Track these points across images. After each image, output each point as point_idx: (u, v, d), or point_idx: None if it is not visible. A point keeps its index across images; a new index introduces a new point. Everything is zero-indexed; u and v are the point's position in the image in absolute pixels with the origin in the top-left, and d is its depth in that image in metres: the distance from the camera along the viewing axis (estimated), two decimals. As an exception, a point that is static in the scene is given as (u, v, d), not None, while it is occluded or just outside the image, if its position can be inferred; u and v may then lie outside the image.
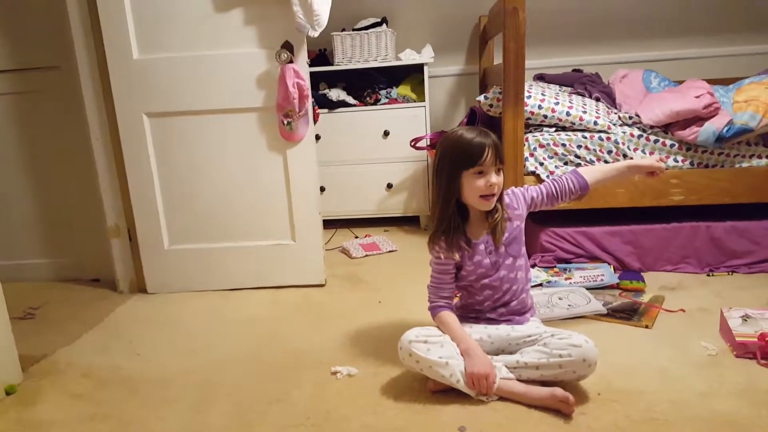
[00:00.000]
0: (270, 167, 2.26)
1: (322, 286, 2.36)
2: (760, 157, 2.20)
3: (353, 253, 2.77)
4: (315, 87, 3.13)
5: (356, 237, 3.06)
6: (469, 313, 1.62)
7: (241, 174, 2.27)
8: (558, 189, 1.60)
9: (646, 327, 1.81)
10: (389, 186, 3.14)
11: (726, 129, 2.11)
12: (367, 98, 3.09)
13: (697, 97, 2.15)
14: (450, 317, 1.55)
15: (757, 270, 2.23)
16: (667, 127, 2.23)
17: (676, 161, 2.24)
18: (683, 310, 1.92)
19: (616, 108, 2.42)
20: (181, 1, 2.10)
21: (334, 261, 2.68)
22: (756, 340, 1.56)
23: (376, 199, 3.17)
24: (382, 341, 1.81)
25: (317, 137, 3.05)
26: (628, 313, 1.91)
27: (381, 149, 3.10)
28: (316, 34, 2.04)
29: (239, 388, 1.60)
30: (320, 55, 3.16)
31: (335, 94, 3.08)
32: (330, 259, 2.64)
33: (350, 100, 3.09)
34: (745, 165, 2.20)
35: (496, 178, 1.46)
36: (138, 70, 2.16)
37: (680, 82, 2.60)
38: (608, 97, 2.48)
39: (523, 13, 2.08)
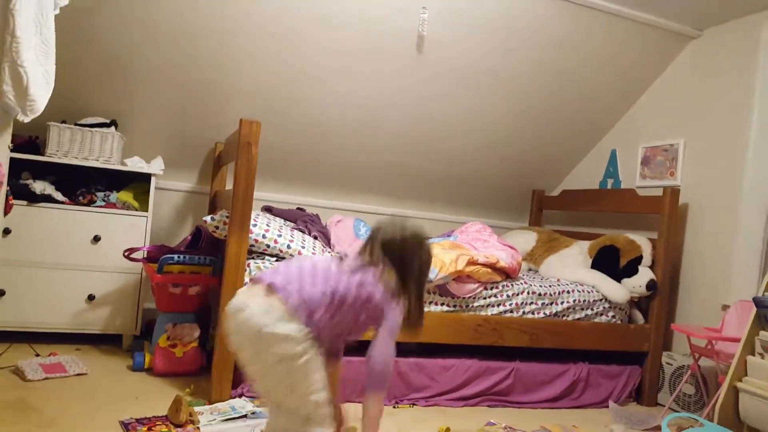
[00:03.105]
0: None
1: (-27, 417, 1.87)
2: (436, 304, 2.66)
3: (29, 374, 2.30)
4: (17, 176, 2.73)
5: (37, 355, 2.58)
6: None
7: None
8: None
9: None
10: (91, 297, 2.79)
11: (413, 277, 2.52)
12: (80, 198, 2.81)
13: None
14: None
15: (432, 403, 2.59)
16: (369, 270, 2.54)
17: (375, 300, 2.54)
18: None
19: (330, 247, 2.69)
20: None
21: (2, 384, 2.19)
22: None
23: (71, 312, 2.77)
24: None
25: (6, 231, 2.60)
26: None
27: (88, 255, 2.78)
28: (27, 120, 1.83)
29: None
30: (30, 143, 2.81)
31: (40, 186, 2.72)
32: (-5, 381, 2.15)
33: (58, 196, 2.76)
34: (425, 310, 2.62)
35: None
36: None
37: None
38: (324, 237, 2.75)
39: (256, 148, 2.24)
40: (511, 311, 2.78)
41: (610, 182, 3.69)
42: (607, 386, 2.90)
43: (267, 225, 2.44)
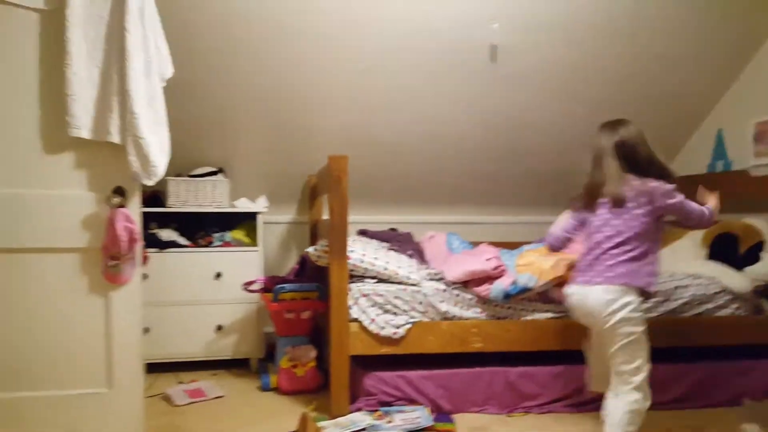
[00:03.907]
0: (89, 310, 2.12)
1: (137, 440, 2.17)
2: (540, 311, 2.64)
3: (176, 400, 2.62)
4: (145, 227, 3.10)
5: (181, 382, 2.90)
6: None
7: (56, 317, 2.08)
8: None
9: None
10: (219, 328, 3.10)
11: (511, 287, 2.54)
12: (200, 240, 3.14)
13: (487, 259, 2.58)
14: None
15: (546, 410, 2.57)
16: (465, 284, 2.60)
17: (476, 313, 2.59)
18: None
19: (425, 264, 2.77)
20: (7, 139, 2.05)
21: (155, 410, 2.50)
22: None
23: (204, 342, 3.09)
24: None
25: (144, 276, 2.96)
26: None
27: (212, 291, 3.09)
28: (151, 184, 2.11)
29: None
30: (153, 196, 3.18)
31: (166, 234, 3.08)
32: (150, 408, 2.44)
33: (182, 240, 3.10)
34: (529, 318, 2.63)
35: None
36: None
37: (476, 244, 3.09)
38: (419, 254, 2.85)
39: (346, 180, 2.39)
40: (620, 312, 2.68)
41: (719, 165, 3.44)
42: (739, 383, 2.69)
43: (363, 249, 2.58)
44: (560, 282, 2.59)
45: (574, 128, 3.48)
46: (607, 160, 2.07)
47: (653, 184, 2.02)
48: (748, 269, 2.76)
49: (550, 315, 2.64)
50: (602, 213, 2.08)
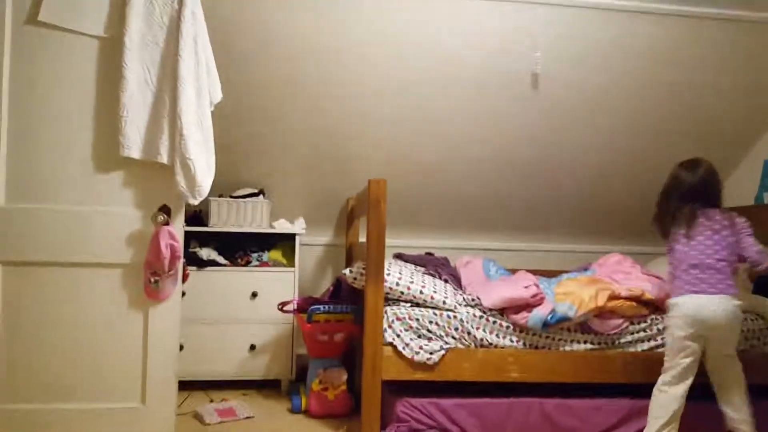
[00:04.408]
0: (129, 325, 2.19)
1: (168, 456, 2.19)
2: (579, 342, 2.58)
3: (207, 419, 2.63)
4: (186, 245, 3.18)
5: (212, 401, 2.93)
6: None
7: (96, 330, 2.16)
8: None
9: None
10: (252, 347, 3.13)
11: (550, 316, 2.49)
12: (239, 260, 3.19)
13: (525, 287, 2.55)
14: None
15: (583, 444, 2.49)
16: (502, 311, 2.57)
17: (512, 341, 2.55)
18: None
19: (461, 290, 2.75)
20: (63, 157, 2.15)
21: (185, 428, 2.53)
22: None
23: (237, 361, 3.12)
24: None
25: (183, 294, 3.02)
26: None
27: (248, 310, 3.13)
28: (196, 203, 2.17)
29: None
30: (195, 216, 3.27)
31: (206, 253, 3.15)
32: (181, 426, 2.49)
33: (221, 260, 3.17)
34: (567, 348, 2.57)
35: None
36: (1, 218, 2.10)
37: (513, 271, 3.05)
38: (455, 279, 2.83)
39: (385, 205, 2.41)
40: (663, 346, 2.60)
41: (767, 197, 3.34)
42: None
43: (399, 273, 2.58)
44: (600, 312, 2.54)
45: (616, 156, 3.44)
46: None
47: (738, 219, 2.35)
48: None
49: (589, 346, 2.58)
50: (697, 238, 2.33)
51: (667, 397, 2.28)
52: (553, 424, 2.51)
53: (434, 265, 2.99)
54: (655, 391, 2.32)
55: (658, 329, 2.61)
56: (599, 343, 2.58)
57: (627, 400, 2.56)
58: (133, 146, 2.10)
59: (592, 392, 2.59)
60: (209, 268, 3.12)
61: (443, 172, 3.44)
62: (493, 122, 3.24)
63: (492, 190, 3.55)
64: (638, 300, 2.60)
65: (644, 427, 2.50)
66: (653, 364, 2.54)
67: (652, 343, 2.61)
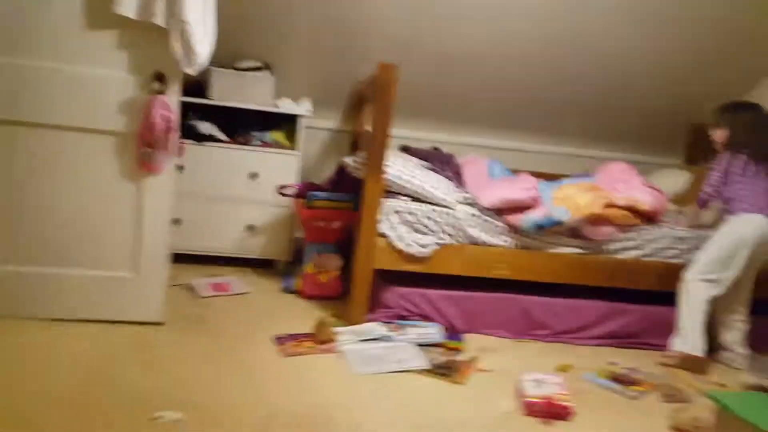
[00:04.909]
0: (121, 195, 2.16)
1: (160, 324, 2.26)
2: (567, 246, 2.61)
3: (200, 291, 2.71)
4: (184, 116, 3.07)
5: (209, 276, 2.99)
6: None
7: (88, 198, 2.14)
8: None
9: (459, 383, 2.06)
10: (250, 227, 3.14)
11: (545, 219, 2.49)
12: (239, 137, 3.10)
13: (525, 189, 2.51)
14: None
15: (555, 340, 2.61)
16: (499, 211, 2.54)
17: (504, 241, 2.56)
18: (491, 371, 2.21)
19: (462, 187, 2.70)
20: (52, 8, 1.99)
21: (178, 299, 2.59)
22: (541, 401, 1.83)
23: (233, 239, 3.14)
24: (218, 386, 1.80)
25: (180, 168, 2.98)
26: (446, 370, 2.14)
27: (247, 190, 3.10)
28: (193, 72, 2.05)
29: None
30: (195, 87, 3.12)
31: (205, 127, 3.05)
32: (174, 297, 2.55)
33: (221, 136, 3.08)
34: (555, 251, 2.59)
35: None
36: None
37: (517, 173, 2.99)
38: (458, 177, 2.77)
39: (395, 92, 2.27)
40: (650, 256, 2.61)
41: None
42: (754, 334, 2.59)
43: (402, 166, 2.52)
44: (593, 219, 2.52)
45: (633, 64, 3.23)
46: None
47: None
48: None
49: (577, 250, 2.61)
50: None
51: None
52: (530, 319, 2.62)
53: (439, 161, 2.92)
54: None
55: (647, 239, 2.63)
56: (587, 249, 2.62)
57: (605, 303, 2.62)
58: (127, 3, 1.94)
59: (573, 294, 2.67)
60: (208, 143, 3.04)
61: (462, 62, 3.25)
62: (521, 14, 2.99)
63: (507, 85, 3.38)
64: (632, 210, 2.59)
65: (619, 327, 2.60)
66: (636, 271, 2.57)
67: (639, 252, 2.62)
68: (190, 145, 2.96)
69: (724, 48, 3.23)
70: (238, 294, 2.77)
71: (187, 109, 3.06)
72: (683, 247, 2.65)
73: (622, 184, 2.82)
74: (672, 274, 2.59)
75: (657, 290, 2.65)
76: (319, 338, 2.29)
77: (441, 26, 3.04)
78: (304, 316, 2.56)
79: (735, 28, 3.11)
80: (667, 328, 2.59)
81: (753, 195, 2.42)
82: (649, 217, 2.66)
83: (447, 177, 2.72)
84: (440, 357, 2.25)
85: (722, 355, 2.55)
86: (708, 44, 3.21)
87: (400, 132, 3.50)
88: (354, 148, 3.39)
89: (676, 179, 3.24)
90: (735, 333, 2.54)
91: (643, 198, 2.66)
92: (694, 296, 2.42)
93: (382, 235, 2.48)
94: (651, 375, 2.32)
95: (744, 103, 2.64)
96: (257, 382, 1.94)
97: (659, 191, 2.79)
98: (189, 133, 2.98)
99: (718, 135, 2.53)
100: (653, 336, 2.65)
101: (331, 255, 2.89)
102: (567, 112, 3.57)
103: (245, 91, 3.05)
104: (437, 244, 2.49)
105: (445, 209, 2.51)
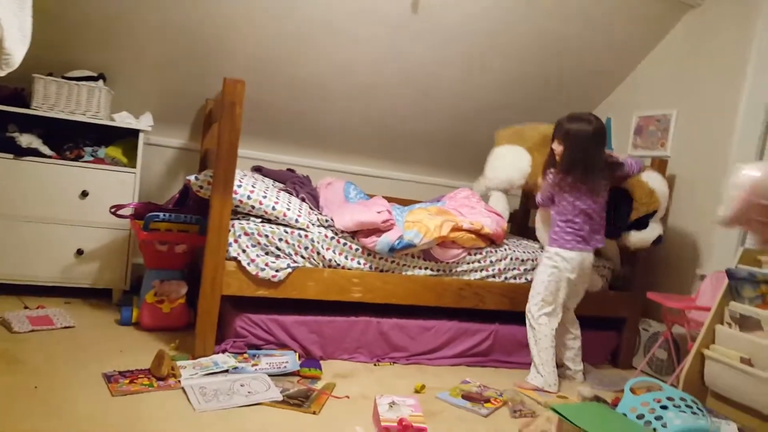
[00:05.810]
0: None
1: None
2: (420, 268, 2.69)
3: (15, 326, 2.35)
4: (2, 128, 2.71)
5: (26, 307, 2.62)
6: None
7: None
8: None
9: (314, 413, 1.97)
10: (80, 252, 2.82)
11: (397, 242, 2.54)
12: (68, 152, 2.80)
13: (378, 212, 2.56)
14: None
15: (412, 361, 2.66)
16: (354, 234, 2.56)
17: (359, 264, 2.57)
18: (348, 397, 2.16)
19: (318, 210, 2.69)
20: None
21: (-12, 336, 2.23)
22: (396, 424, 1.83)
23: (60, 266, 2.80)
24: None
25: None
26: (300, 400, 2.05)
27: (76, 210, 2.79)
28: (2, 74, 1.80)
29: None
30: (16, 94, 2.77)
31: (27, 140, 2.71)
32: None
33: (45, 150, 2.75)
34: (409, 273, 2.66)
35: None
36: None
37: (371, 196, 3.05)
38: (313, 199, 2.75)
39: (241, 108, 2.21)
40: (494, 276, 2.81)
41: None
42: (585, 349, 2.92)
43: (252, 186, 2.44)
44: (442, 242, 2.66)
45: (479, 97, 3.52)
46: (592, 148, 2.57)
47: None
48: (633, 234, 2.81)
49: (429, 272, 2.70)
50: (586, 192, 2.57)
51: None
52: (387, 341, 2.64)
53: (293, 182, 2.88)
54: None
55: (491, 261, 2.81)
56: (438, 270, 2.71)
57: (456, 323, 2.76)
58: None
59: (427, 315, 2.75)
60: (30, 158, 2.70)
61: (315, 87, 3.26)
62: (372, 43, 3.09)
63: (361, 113, 3.46)
64: (477, 233, 2.76)
65: (470, 346, 2.75)
66: (484, 291, 2.76)
67: (484, 273, 2.80)
68: (6, 159, 2.61)
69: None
70: (64, 327, 2.45)
71: (6, 121, 2.71)
72: (524, 268, 2.86)
73: (468, 209, 3.01)
74: (515, 294, 2.78)
75: (503, 309, 2.80)
76: (158, 374, 2.07)
77: (291, 46, 3.02)
78: (142, 350, 2.33)
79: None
80: (515, 345, 2.81)
81: (568, 224, 2.55)
82: (491, 240, 2.83)
83: (301, 198, 2.69)
84: (294, 386, 2.16)
85: (564, 370, 2.75)
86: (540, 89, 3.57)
87: (254, 153, 3.42)
88: (203, 167, 3.24)
89: (509, 200, 3.51)
90: (570, 351, 2.76)
91: (486, 222, 2.82)
92: (540, 333, 2.59)
93: (232, 259, 2.37)
94: (500, 391, 2.41)
95: (579, 116, 2.58)
96: (78, 425, 1.69)
97: (500, 215, 2.99)
98: (7, 146, 2.63)
99: (556, 149, 2.61)
100: (502, 353, 2.82)
101: (176, 282, 2.68)
102: (419, 142, 3.74)
103: (75, 101, 2.76)
104: (291, 267, 2.43)
105: (299, 231, 2.47)
